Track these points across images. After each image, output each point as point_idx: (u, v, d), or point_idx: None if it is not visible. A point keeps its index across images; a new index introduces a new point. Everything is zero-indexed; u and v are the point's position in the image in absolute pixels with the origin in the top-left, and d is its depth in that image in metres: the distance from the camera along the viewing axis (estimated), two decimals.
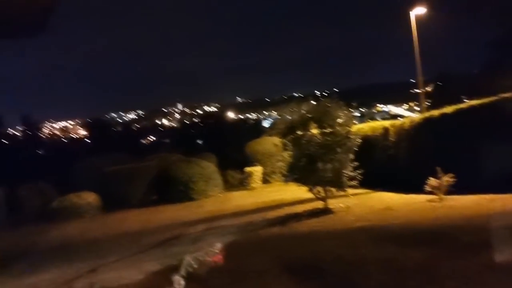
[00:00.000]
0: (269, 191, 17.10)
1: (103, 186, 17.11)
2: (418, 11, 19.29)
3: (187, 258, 2.86)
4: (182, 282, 2.70)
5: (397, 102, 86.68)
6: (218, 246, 3.00)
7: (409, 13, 19.86)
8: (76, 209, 16.04)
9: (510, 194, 9.14)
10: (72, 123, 74.80)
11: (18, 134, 37.85)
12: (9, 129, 37.37)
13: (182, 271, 2.76)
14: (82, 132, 48.88)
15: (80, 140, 44.17)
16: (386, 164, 13.73)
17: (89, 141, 38.19)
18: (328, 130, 11.05)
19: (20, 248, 11.31)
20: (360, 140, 11.34)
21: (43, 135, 40.82)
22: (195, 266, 2.88)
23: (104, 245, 10.86)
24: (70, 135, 51.75)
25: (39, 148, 35.73)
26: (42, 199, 17.18)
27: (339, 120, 11.06)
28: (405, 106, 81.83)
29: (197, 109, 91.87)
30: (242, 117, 65.81)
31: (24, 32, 3.63)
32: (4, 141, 32.29)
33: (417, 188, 10.94)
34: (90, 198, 16.51)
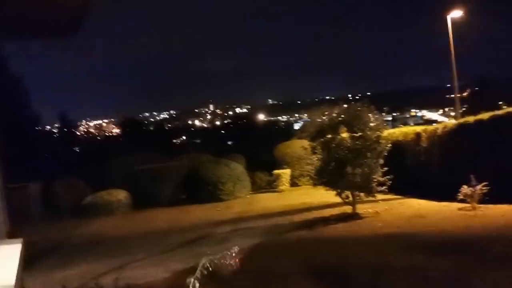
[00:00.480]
0: (297, 194, 17.02)
1: (134, 184, 17.43)
2: (454, 15, 18.84)
3: (203, 260, 2.86)
4: (197, 284, 2.71)
5: (432, 107, 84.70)
6: (236, 249, 2.99)
7: (445, 17, 19.45)
8: (107, 206, 16.41)
9: None
10: (106, 121, 76.62)
11: (55, 131, 38.98)
12: (46, 126, 38.51)
13: (198, 273, 2.76)
14: (116, 130, 49.98)
15: (114, 138, 45.20)
16: (417, 170, 13.43)
17: (122, 139, 38.98)
18: (358, 134, 10.93)
19: (53, 242, 11.66)
20: (390, 145, 11.19)
21: (79, 132, 41.95)
22: (211, 269, 2.88)
23: (133, 243, 11.06)
24: (104, 133, 53.03)
25: (75, 145, 36.73)
26: (76, 195, 17.63)
27: (370, 124, 10.93)
28: (440, 111, 79.88)
29: (229, 110, 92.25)
30: (272, 119, 65.76)
31: (56, 33, 3.72)
32: (42, 138, 33.31)
33: (449, 195, 10.65)
34: (120, 195, 16.85)
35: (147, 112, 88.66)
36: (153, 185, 17.51)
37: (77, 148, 36.46)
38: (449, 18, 19.35)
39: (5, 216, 4.25)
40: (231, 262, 3.00)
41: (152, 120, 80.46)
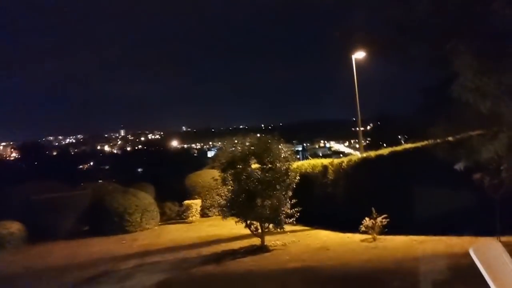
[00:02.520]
0: (207, 225, 16.72)
1: (30, 215, 15.97)
2: (358, 55, 20.09)
3: None
4: None
5: (339, 139, 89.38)
6: None
7: (351, 56, 20.66)
8: None
9: (439, 236, 9.40)
10: (3, 144, 70.67)
11: None
12: None
13: None
14: (14, 155, 46.10)
15: (11, 163, 41.55)
16: (325, 202, 13.84)
17: (20, 165, 35.98)
18: (268, 166, 11.02)
19: None
20: (299, 177, 11.41)
21: None
22: None
23: (23, 282, 10.04)
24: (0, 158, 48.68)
25: None
26: None
27: (280, 157, 11.08)
28: (346, 143, 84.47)
29: (141, 136, 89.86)
30: (185, 146, 64.95)
31: None
32: None
33: (353, 226, 11.05)
34: (13, 227, 15.32)
35: (51, 136, 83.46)
36: (51, 216, 16.16)
37: None
38: (353, 57, 20.58)
39: None
40: None
41: (57, 144, 75.77)
